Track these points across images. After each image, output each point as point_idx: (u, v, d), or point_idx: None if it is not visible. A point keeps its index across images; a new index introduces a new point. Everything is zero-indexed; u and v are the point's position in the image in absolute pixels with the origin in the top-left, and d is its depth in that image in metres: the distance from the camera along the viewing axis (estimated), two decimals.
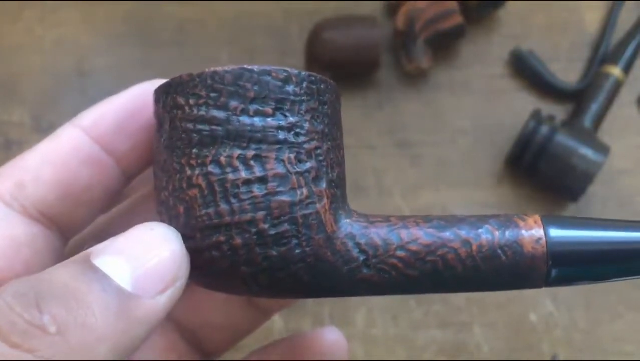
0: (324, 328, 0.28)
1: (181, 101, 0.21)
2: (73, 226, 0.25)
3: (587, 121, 0.51)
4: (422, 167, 0.53)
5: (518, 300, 0.50)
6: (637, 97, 0.54)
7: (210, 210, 0.21)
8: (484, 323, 0.50)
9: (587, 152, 0.49)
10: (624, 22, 0.55)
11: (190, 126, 0.21)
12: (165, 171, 0.22)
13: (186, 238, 0.21)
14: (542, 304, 0.50)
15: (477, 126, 0.53)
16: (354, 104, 0.54)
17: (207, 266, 0.21)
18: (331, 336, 0.28)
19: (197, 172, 0.21)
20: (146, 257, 0.20)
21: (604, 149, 0.49)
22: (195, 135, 0.21)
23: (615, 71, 0.53)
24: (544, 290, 0.50)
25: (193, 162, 0.21)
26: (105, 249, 0.20)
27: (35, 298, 0.18)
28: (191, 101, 0.21)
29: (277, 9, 0.56)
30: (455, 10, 0.52)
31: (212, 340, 0.29)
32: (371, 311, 0.50)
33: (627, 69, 0.53)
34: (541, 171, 0.50)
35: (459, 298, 0.50)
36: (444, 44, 0.54)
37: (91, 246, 0.20)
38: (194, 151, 0.21)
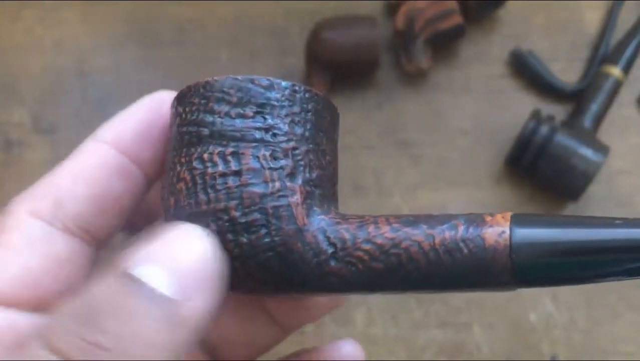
0: (342, 341, 0.28)
1: (180, 109, 0.24)
2: (106, 238, 0.26)
3: (587, 121, 0.51)
4: (422, 167, 0.53)
5: (518, 300, 0.50)
6: (636, 97, 0.54)
7: (192, 200, 0.23)
8: (484, 323, 0.50)
9: (586, 152, 0.49)
10: (624, 22, 0.55)
11: (184, 129, 0.23)
12: (166, 170, 0.24)
13: None
14: (542, 304, 0.50)
15: (477, 126, 0.54)
16: (354, 104, 0.54)
17: None
18: (349, 349, 0.28)
19: (184, 168, 0.23)
20: (181, 260, 0.20)
21: (603, 149, 0.50)
22: (187, 136, 0.23)
23: (615, 71, 0.53)
24: (544, 290, 0.50)
25: (183, 159, 0.23)
26: (141, 258, 0.20)
27: (89, 316, 0.19)
28: (187, 109, 0.24)
29: (277, 9, 0.56)
30: (455, 10, 0.52)
31: (232, 354, 0.29)
32: (371, 310, 0.50)
33: (626, 69, 0.53)
34: (541, 171, 0.50)
35: (459, 298, 0.50)
36: (444, 44, 0.54)
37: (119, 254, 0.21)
38: (184, 150, 0.23)
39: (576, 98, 0.53)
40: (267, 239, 0.22)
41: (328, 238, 0.23)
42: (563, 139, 0.49)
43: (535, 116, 0.51)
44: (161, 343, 0.19)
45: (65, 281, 0.24)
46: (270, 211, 0.22)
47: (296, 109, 0.23)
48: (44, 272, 0.23)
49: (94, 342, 0.19)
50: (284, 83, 0.23)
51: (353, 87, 0.54)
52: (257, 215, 0.22)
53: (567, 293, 0.50)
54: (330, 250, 0.23)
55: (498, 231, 0.22)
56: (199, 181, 0.23)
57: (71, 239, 0.24)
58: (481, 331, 0.49)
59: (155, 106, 0.26)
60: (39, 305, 0.23)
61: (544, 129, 0.50)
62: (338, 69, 0.52)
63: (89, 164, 0.25)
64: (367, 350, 0.49)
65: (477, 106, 0.54)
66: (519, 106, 0.53)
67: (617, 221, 0.22)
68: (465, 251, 0.22)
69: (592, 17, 0.56)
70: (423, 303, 0.50)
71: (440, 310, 0.50)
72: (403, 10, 0.53)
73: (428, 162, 0.53)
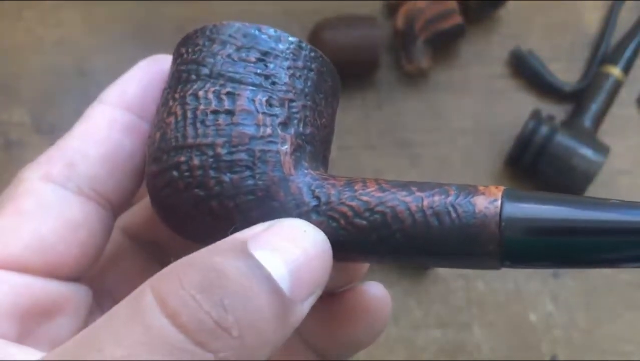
0: (368, 283, 0.27)
1: (183, 50, 0.24)
2: (122, 201, 0.25)
3: (587, 121, 0.51)
4: (422, 167, 0.53)
5: (518, 300, 0.50)
6: (637, 97, 0.54)
7: (179, 134, 0.22)
8: (484, 323, 0.50)
9: (586, 152, 0.49)
10: (624, 22, 0.55)
11: (183, 67, 0.23)
12: (157, 108, 0.24)
13: (155, 161, 0.23)
14: (542, 304, 0.50)
15: (477, 126, 0.54)
16: (354, 104, 0.54)
17: (165, 188, 0.22)
18: (375, 291, 0.27)
19: (177, 102, 0.23)
20: (300, 258, 0.20)
21: (603, 149, 0.50)
22: (185, 74, 0.23)
23: (615, 71, 0.53)
24: (545, 290, 0.50)
25: (177, 95, 0.23)
26: (262, 241, 0.20)
27: (219, 295, 0.18)
28: (190, 49, 0.23)
29: (277, 9, 0.56)
30: (455, 10, 0.52)
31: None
32: None
33: (626, 69, 0.53)
34: (541, 171, 0.50)
35: (459, 298, 0.50)
36: (444, 44, 0.54)
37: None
38: (180, 86, 0.23)
39: (576, 98, 0.53)
40: (250, 182, 0.22)
41: (312, 192, 0.22)
42: (563, 139, 0.49)
43: (535, 116, 0.51)
44: (272, 339, 0.19)
45: (81, 246, 0.23)
46: (258, 154, 0.22)
47: (299, 64, 0.23)
48: (58, 237, 0.23)
49: (224, 326, 0.18)
50: (291, 37, 0.23)
51: (353, 87, 0.54)
52: (243, 155, 0.22)
53: (567, 293, 0.50)
54: (313, 203, 0.22)
55: (489, 199, 0.21)
56: (190, 115, 0.22)
57: (86, 203, 0.23)
58: (481, 331, 0.49)
59: (154, 66, 0.25)
60: (53, 270, 0.23)
61: (544, 129, 0.50)
62: (338, 69, 0.52)
63: (98, 125, 0.24)
64: (367, 350, 0.49)
65: (477, 106, 0.54)
66: (519, 106, 0.53)
67: (614, 201, 0.20)
68: (454, 215, 0.21)
69: (592, 17, 0.56)
70: (423, 303, 0.50)
71: (440, 309, 0.50)
72: (403, 10, 0.53)
73: (428, 162, 0.53)
